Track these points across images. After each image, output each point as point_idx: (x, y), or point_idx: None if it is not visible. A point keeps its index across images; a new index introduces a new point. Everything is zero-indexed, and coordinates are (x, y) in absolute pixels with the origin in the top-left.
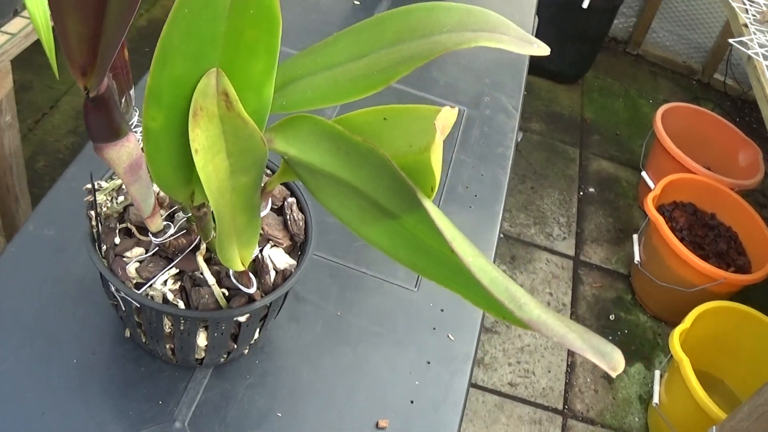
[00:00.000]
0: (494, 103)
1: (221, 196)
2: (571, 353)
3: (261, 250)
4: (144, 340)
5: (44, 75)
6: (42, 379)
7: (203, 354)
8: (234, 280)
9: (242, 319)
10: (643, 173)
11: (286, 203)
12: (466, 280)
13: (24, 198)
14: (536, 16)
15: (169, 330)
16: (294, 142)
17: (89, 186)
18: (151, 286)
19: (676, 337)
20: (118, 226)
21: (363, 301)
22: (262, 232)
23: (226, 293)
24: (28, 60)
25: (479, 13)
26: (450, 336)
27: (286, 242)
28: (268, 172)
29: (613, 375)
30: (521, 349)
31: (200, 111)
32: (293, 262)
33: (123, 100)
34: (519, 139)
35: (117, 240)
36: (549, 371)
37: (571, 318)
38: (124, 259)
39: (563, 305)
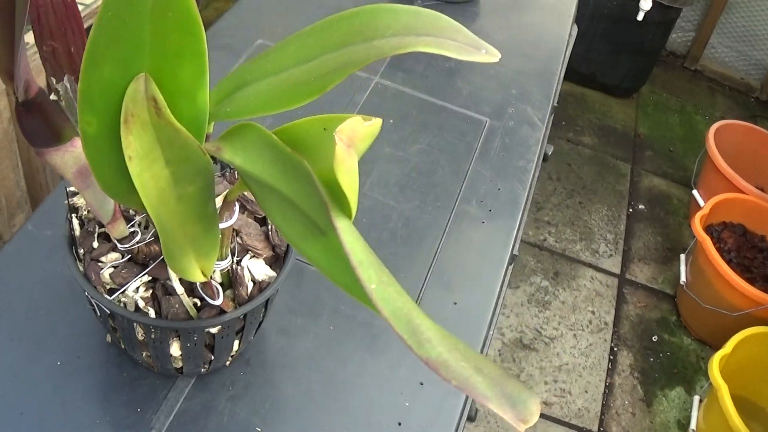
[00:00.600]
0: (519, 115)
1: (163, 206)
2: (610, 373)
3: (239, 261)
4: (122, 346)
5: None
6: (25, 380)
7: (180, 363)
8: (200, 291)
9: (214, 330)
10: (694, 191)
11: None
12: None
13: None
14: (575, 25)
15: (142, 338)
16: (240, 151)
17: (72, 188)
18: (123, 292)
19: (715, 362)
20: (98, 230)
21: (357, 316)
22: (240, 242)
23: (198, 303)
24: None
25: (428, 17)
26: None
27: (267, 253)
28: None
29: (521, 429)
30: (559, 367)
31: (131, 117)
32: (273, 273)
33: None
34: (549, 153)
35: (95, 244)
36: (586, 391)
37: (612, 338)
38: (99, 264)
39: (605, 324)
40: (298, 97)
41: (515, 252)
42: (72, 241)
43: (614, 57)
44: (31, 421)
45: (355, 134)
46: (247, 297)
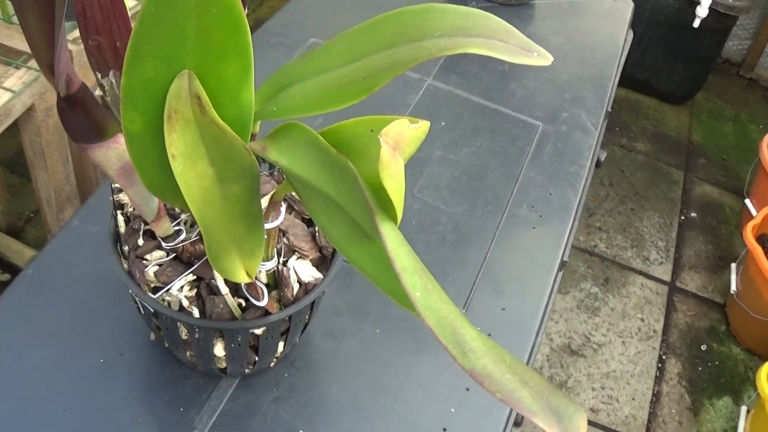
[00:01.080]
0: (572, 120)
1: (208, 205)
2: (657, 381)
3: (285, 262)
4: (166, 345)
5: None
6: (68, 377)
7: (224, 363)
8: (245, 291)
9: (258, 331)
10: (747, 200)
11: None
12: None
13: None
14: (630, 31)
15: (186, 337)
16: (285, 151)
17: (117, 185)
18: (167, 291)
19: (764, 373)
20: (143, 228)
21: (405, 319)
22: (287, 242)
23: (243, 304)
24: None
25: (477, 17)
26: None
27: (314, 254)
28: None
29: None
30: (607, 374)
31: (174, 114)
32: (320, 275)
33: None
34: (602, 159)
35: (140, 242)
36: (633, 399)
37: (660, 346)
38: (144, 261)
39: (654, 332)
40: (345, 97)
41: (565, 258)
42: (117, 238)
43: (670, 63)
44: (73, 417)
45: (401, 137)
46: (292, 299)
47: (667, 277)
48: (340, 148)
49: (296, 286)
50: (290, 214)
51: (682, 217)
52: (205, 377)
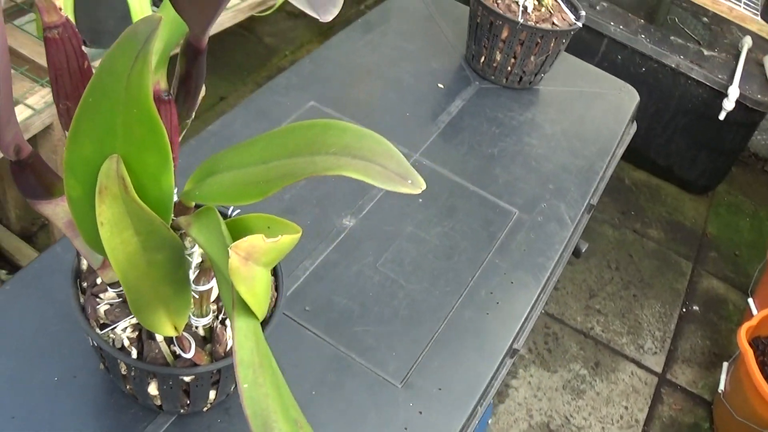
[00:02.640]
0: (550, 210)
1: (132, 268)
2: None
3: (224, 320)
4: (110, 375)
5: None
6: (22, 388)
7: (159, 401)
8: (175, 342)
9: (187, 379)
10: (750, 300)
11: None
12: None
13: None
14: (633, 124)
15: (125, 372)
16: (201, 231)
17: None
18: (113, 329)
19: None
20: None
21: (341, 386)
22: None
23: (177, 352)
24: None
25: (369, 139)
26: None
27: None
28: None
29: None
30: None
31: (105, 190)
32: None
33: None
34: (583, 249)
35: (98, 281)
36: None
37: None
38: (97, 299)
39: (636, 421)
40: (248, 195)
41: (517, 347)
42: (78, 274)
43: (693, 152)
44: (21, 426)
45: (253, 249)
46: (223, 354)
47: (659, 368)
48: (238, 237)
49: (230, 342)
50: None
51: (684, 309)
52: (145, 410)
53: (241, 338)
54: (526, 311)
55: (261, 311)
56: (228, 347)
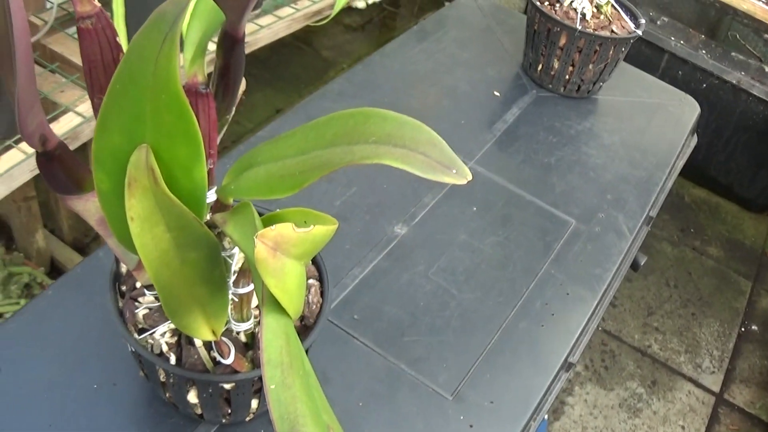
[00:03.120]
0: (608, 221)
1: (165, 266)
2: None
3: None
4: (150, 382)
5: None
6: (60, 394)
7: (200, 410)
8: (214, 347)
9: (227, 386)
10: None
11: (307, 283)
12: None
13: None
14: (694, 137)
15: (164, 380)
16: (236, 227)
17: None
18: (151, 334)
19: None
20: None
21: (389, 397)
22: None
23: (217, 358)
24: None
25: (410, 128)
26: None
27: (295, 322)
28: None
29: None
30: None
31: (134, 182)
32: None
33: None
34: (642, 263)
35: (138, 284)
36: None
37: None
38: (136, 303)
39: None
40: (282, 188)
41: (572, 360)
42: (117, 277)
43: (754, 170)
44: None
45: (282, 239)
46: None
47: (716, 388)
48: None
49: None
50: None
51: (743, 329)
52: (186, 419)
53: (270, 336)
54: (583, 324)
55: (294, 308)
56: None
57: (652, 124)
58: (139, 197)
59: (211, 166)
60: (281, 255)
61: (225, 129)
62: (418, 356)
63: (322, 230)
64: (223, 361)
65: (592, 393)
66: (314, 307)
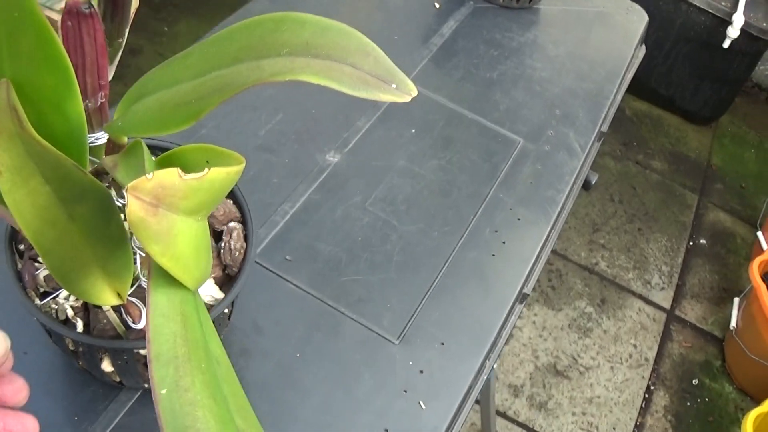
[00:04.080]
0: (558, 139)
1: (48, 226)
2: (642, 412)
3: None
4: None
5: (156, 41)
6: None
7: (117, 378)
8: (122, 311)
9: (143, 352)
10: (759, 233)
11: (227, 227)
12: None
13: None
14: (642, 47)
15: (73, 348)
16: (129, 173)
17: None
18: (54, 298)
19: (750, 420)
20: None
21: (330, 345)
22: None
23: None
24: (143, 24)
25: (336, 33)
26: (421, 403)
27: (217, 272)
28: None
29: None
30: (590, 399)
31: None
32: (221, 295)
33: None
34: (593, 181)
35: None
36: (614, 428)
37: (650, 375)
38: (36, 264)
39: (645, 360)
40: (175, 122)
41: (527, 291)
42: (13, 235)
43: (696, 82)
44: None
45: (165, 191)
46: None
47: (667, 304)
48: None
49: None
50: None
51: (691, 243)
52: (106, 387)
53: (159, 321)
54: (537, 250)
55: (191, 277)
56: None
57: (598, 34)
58: (5, 145)
59: (103, 100)
60: (165, 212)
61: (119, 56)
62: (359, 297)
63: (220, 174)
64: (133, 326)
65: (540, 314)
66: (237, 254)
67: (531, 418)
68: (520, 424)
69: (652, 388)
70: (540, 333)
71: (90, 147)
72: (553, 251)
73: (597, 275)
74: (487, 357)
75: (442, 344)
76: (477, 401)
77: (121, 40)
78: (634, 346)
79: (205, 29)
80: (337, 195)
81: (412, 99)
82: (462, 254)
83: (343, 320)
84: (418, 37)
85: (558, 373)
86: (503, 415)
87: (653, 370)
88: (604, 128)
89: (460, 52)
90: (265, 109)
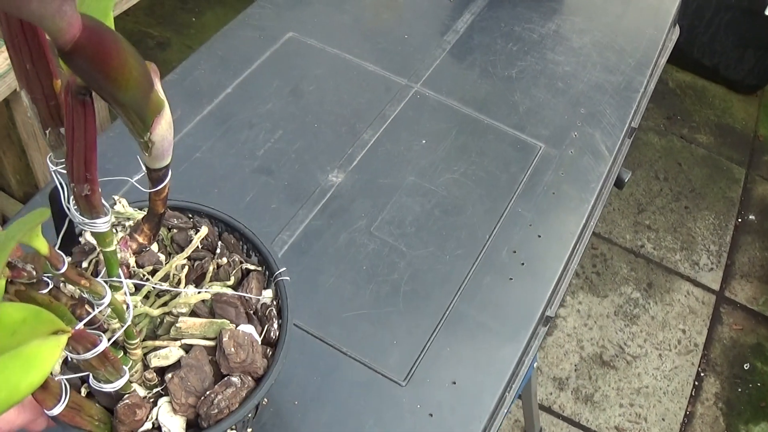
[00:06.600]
0: (583, 141)
1: None
2: (692, 401)
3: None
4: None
5: (184, 33)
6: None
7: None
8: None
9: None
10: None
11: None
12: None
13: None
14: (676, 27)
15: None
16: None
17: None
18: None
19: None
20: None
21: (330, 389)
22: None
23: None
24: (170, 17)
25: None
26: None
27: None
28: None
29: None
30: (638, 390)
31: None
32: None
33: None
34: (626, 179)
35: None
36: (663, 419)
37: (700, 362)
38: None
39: (695, 346)
40: None
41: (549, 314)
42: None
43: (740, 50)
44: None
45: None
46: None
47: (716, 286)
48: None
49: None
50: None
51: (740, 220)
52: None
53: None
54: (559, 270)
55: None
56: None
57: (627, 19)
58: None
59: (88, 193)
60: None
61: None
62: (363, 335)
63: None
64: None
65: (585, 302)
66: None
67: (577, 412)
68: (565, 419)
69: (702, 375)
70: (585, 322)
71: None
72: (597, 234)
73: (643, 258)
74: (503, 394)
75: (454, 383)
76: (519, 396)
77: None
78: (683, 331)
79: (231, 17)
80: (341, 219)
81: (423, 106)
82: (476, 280)
83: (344, 361)
84: (431, 35)
85: (604, 363)
86: (548, 410)
87: (703, 356)
88: (635, 123)
89: (476, 49)
90: (262, 126)
